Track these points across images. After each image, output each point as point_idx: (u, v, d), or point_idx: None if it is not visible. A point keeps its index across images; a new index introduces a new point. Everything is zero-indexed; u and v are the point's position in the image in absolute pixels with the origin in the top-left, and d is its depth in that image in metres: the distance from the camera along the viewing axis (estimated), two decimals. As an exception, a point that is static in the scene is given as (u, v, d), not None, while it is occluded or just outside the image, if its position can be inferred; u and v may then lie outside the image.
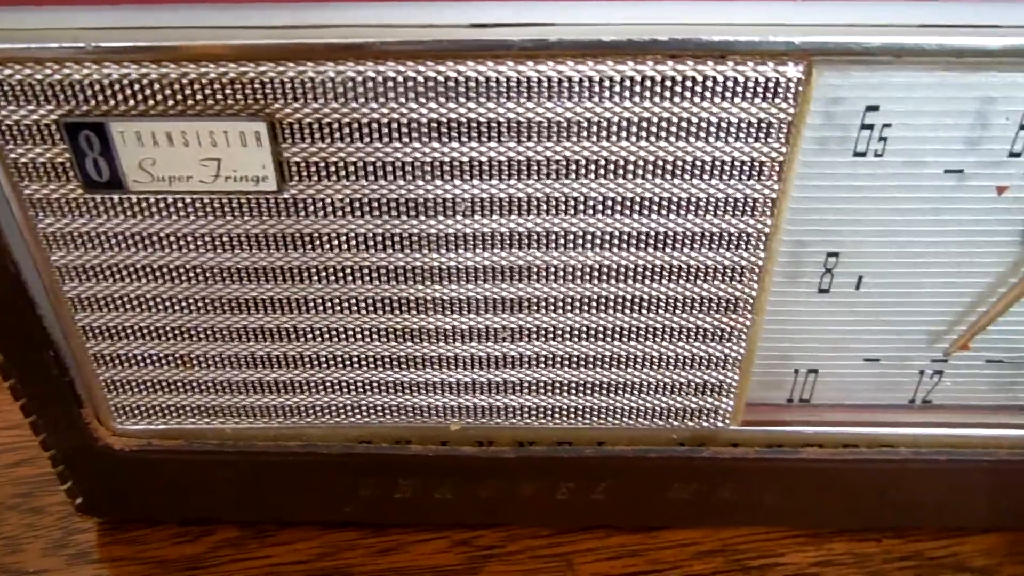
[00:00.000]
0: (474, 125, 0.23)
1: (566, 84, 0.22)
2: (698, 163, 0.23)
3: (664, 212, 0.24)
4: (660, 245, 0.25)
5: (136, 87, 0.22)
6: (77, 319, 0.27)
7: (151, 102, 0.22)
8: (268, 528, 0.33)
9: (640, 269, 0.26)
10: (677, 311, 0.27)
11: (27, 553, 0.32)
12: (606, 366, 0.28)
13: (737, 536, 0.33)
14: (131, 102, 0.22)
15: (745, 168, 0.23)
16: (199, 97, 0.22)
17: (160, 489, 0.32)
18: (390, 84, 0.22)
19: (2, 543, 0.33)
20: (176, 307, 0.27)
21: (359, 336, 0.27)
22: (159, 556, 0.32)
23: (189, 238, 0.25)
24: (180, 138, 0.23)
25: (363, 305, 0.27)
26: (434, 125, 0.23)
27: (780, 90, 0.22)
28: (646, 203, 0.24)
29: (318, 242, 0.25)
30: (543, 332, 0.27)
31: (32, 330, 0.27)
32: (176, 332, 0.27)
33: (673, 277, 0.26)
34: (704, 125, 0.23)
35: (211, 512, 0.33)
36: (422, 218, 0.25)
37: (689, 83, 0.22)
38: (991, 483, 0.30)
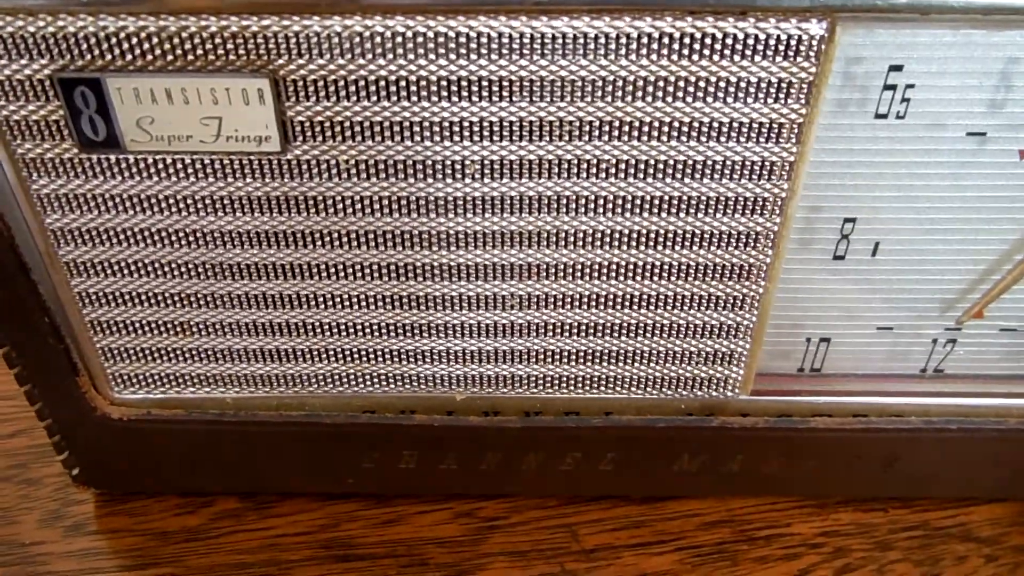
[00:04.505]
0: (485, 84, 0.22)
1: (581, 41, 0.21)
2: (715, 124, 0.23)
3: (678, 175, 0.24)
4: (673, 209, 0.25)
5: (134, 41, 0.21)
6: (73, 284, 0.26)
7: (149, 57, 0.22)
8: (268, 499, 0.33)
9: (651, 234, 0.25)
10: (688, 278, 0.26)
11: (23, 525, 0.32)
12: (615, 334, 0.27)
13: (744, 506, 0.32)
14: (128, 56, 0.22)
15: (763, 130, 0.23)
16: (199, 52, 0.21)
17: (159, 460, 0.31)
18: (398, 40, 0.21)
19: (-3, 515, 0.32)
20: (175, 272, 0.26)
21: (363, 303, 0.27)
22: (158, 528, 0.32)
23: (189, 200, 0.24)
24: (180, 95, 0.22)
25: (367, 271, 0.26)
26: (443, 83, 0.22)
27: (802, 48, 0.21)
28: (659, 166, 0.24)
29: (322, 205, 0.24)
30: (551, 299, 0.27)
31: (26, 296, 0.26)
32: (175, 298, 0.27)
33: (685, 243, 0.25)
34: (722, 85, 0.22)
35: (211, 483, 0.32)
36: (430, 181, 0.24)
37: (708, 40, 0.21)
38: (1000, 453, 0.30)
